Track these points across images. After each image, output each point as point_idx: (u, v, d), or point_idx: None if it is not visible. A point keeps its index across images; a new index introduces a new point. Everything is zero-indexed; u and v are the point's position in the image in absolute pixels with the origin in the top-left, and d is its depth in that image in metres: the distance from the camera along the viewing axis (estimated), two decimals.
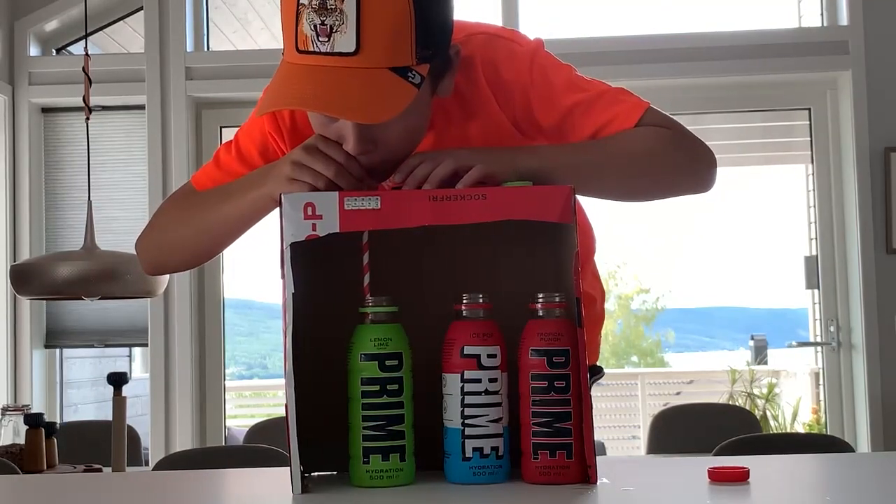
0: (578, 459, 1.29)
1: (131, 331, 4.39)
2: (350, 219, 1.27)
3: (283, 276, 1.27)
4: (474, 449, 1.29)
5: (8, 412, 2.99)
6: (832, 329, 4.31)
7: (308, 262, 1.30)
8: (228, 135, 4.38)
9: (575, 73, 1.57)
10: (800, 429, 6.07)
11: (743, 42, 4.28)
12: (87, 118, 3.12)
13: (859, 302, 4.15)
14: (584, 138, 1.52)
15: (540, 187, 1.33)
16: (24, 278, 2.81)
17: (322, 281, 1.38)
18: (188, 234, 1.61)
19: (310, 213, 1.27)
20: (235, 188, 1.53)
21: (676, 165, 1.54)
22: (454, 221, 1.29)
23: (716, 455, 2.29)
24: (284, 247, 1.27)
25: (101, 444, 3.13)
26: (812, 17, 4.51)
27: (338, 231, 1.27)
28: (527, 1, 4.33)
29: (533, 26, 4.29)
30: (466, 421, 1.29)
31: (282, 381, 1.26)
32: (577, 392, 1.29)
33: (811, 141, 4.40)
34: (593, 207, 1.74)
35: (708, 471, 1.31)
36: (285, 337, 1.26)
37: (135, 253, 1.72)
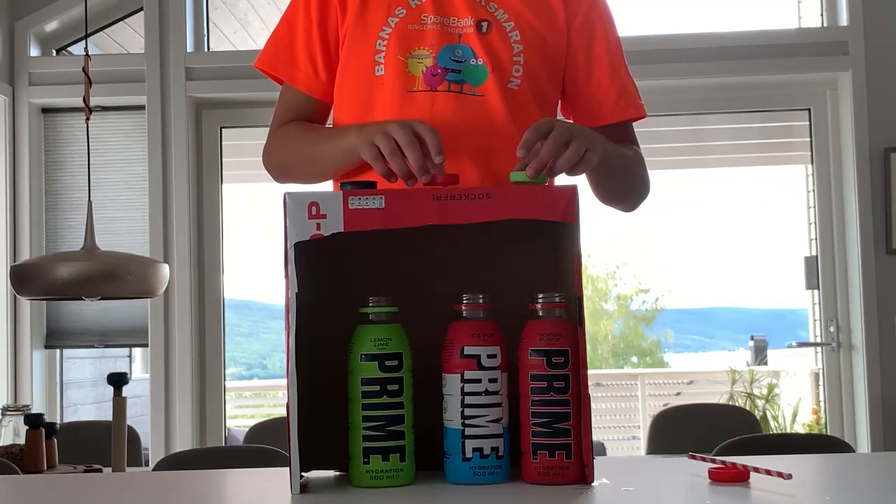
0: (578, 460, 1.29)
1: (131, 331, 4.39)
2: (354, 218, 1.27)
3: (286, 276, 1.26)
4: (474, 449, 1.29)
5: (8, 412, 2.98)
6: (832, 329, 4.30)
7: (310, 261, 1.29)
8: (228, 135, 4.37)
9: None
10: (800, 429, 6.07)
11: (743, 42, 4.28)
12: (88, 119, 3.12)
13: (859, 302, 4.15)
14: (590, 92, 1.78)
15: (545, 187, 1.33)
16: (25, 278, 2.80)
17: (323, 280, 1.38)
18: (298, 160, 1.79)
19: (314, 212, 1.26)
20: (337, 132, 1.72)
21: (644, 187, 1.83)
22: (459, 221, 1.28)
23: (716, 455, 2.28)
24: (289, 246, 1.26)
25: (101, 445, 3.13)
26: (812, 18, 4.51)
27: (342, 230, 1.26)
28: None
29: None
30: (466, 421, 1.29)
31: (282, 382, 1.26)
32: (577, 392, 1.29)
33: (811, 141, 4.40)
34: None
35: (708, 471, 1.31)
36: (288, 337, 1.26)
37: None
